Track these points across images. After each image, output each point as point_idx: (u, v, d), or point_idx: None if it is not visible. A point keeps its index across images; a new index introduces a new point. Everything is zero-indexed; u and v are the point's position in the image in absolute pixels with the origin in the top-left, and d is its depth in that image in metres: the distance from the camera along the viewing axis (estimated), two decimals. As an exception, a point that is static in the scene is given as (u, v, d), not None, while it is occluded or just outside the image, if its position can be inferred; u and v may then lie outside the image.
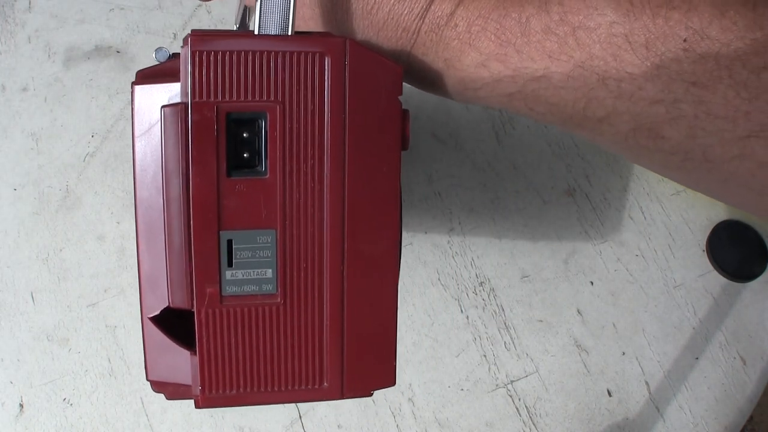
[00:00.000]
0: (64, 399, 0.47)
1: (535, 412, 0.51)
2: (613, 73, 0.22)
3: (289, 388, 0.24)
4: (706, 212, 0.58)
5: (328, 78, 0.22)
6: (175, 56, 0.23)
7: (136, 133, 0.22)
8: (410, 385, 0.50)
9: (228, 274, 0.23)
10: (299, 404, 0.48)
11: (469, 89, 0.25)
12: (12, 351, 0.47)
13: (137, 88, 0.22)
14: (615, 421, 0.51)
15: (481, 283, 0.53)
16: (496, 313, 0.53)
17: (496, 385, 0.51)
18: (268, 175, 0.22)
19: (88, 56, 0.55)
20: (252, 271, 0.23)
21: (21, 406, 0.46)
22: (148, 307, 0.23)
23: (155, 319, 0.23)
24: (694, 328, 0.54)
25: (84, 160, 0.53)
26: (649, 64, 0.21)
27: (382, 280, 0.25)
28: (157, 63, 0.23)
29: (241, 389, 0.23)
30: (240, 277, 0.23)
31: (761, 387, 0.54)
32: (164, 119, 0.21)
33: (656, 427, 0.52)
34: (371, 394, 0.25)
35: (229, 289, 0.23)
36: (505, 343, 0.52)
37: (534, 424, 0.50)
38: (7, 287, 0.49)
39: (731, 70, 0.20)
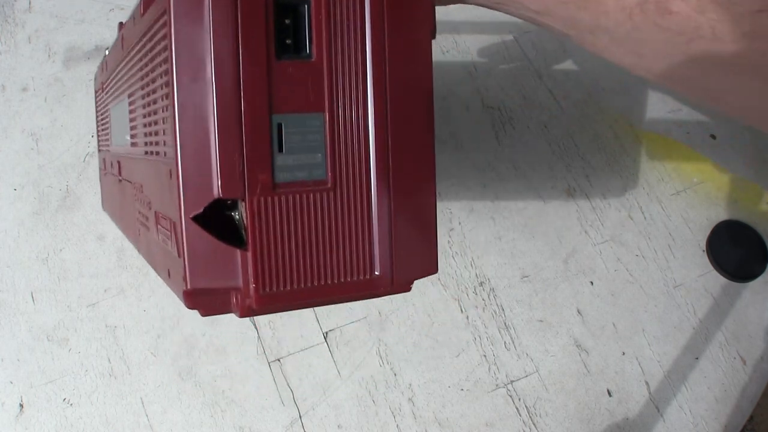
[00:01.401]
0: (64, 399, 0.47)
1: (535, 412, 0.51)
2: None
3: (342, 279, 0.23)
4: (706, 212, 0.58)
5: None
6: None
7: (175, 22, 0.21)
8: (410, 385, 0.50)
9: (279, 159, 0.22)
10: (299, 404, 0.48)
11: None
12: (12, 351, 0.47)
13: None
14: (615, 421, 0.51)
15: (481, 283, 0.53)
16: (496, 313, 0.53)
17: (496, 385, 0.51)
18: (314, 59, 0.22)
19: (88, 56, 0.55)
20: (302, 156, 0.22)
21: (21, 406, 0.46)
22: (189, 206, 0.21)
23: (198, 218, 0.22)
24: (694, 328, 0.54)
25: (84, 160, 0.53)
26: None
27: (422, 164, 0.25)
28: None
29: (295, 284, 0.22)
30: (291, 162, 0.22)
31: (761, 387, 0.54)
32: (213, 1, 0.21)
33: (656, 427, 0.52)
34: (410, 289, 0.25)
35: (281, 176, 0.22)
36: (505, 343, 0.52)
37: (534, 424, 0.50)
38: (7, 287, 0.49)
39: None
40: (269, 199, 0.22)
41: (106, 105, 0.40)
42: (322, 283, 0.23)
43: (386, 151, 0.24)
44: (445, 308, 0.52)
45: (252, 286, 0.22)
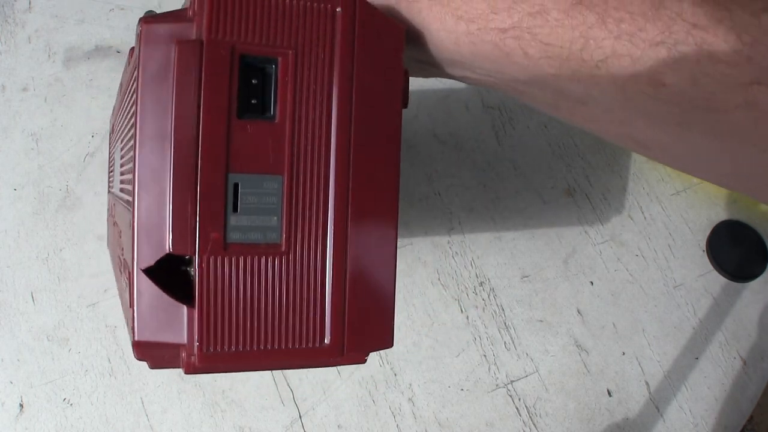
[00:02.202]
0: (64, 399, 0.47)
1: (535, 412, 0.51)
2: (613, 13, 0.21)
3: (290, 346, 0.23)
4: (706, 212, 0.58)
5: (339, 29, 0.23)
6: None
7: (142, 73, 0.21)
8: (410, 385, 0.50)
9: (233, 219, 0.22)
10: (299, 404, 0.48)
11: (462, 20, 0.24)
12: (12, 351, 0.47)
13: (145, 26, 0.21)
14: (615, 421, 0.51)
15: (481, 283, 0.53)
16: (496, 313, 0.53)
17: (496, 385, 0.51)
18: (277, 120, 0.22)
19: (88, 56, 0.55)
20: (257, 218, 0.22)
21: (21, 406, 0.46)
22: (142, 258, 0.21)
23: (149, 271, 0.21)
24: (694, 328, 0.54)
25: (84, 160, 0.53)
26: (649, 4, 0.21)
27: (383, 236, 0.24)
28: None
29: (240, 346, 0.22)
30: (245, 223, 0.22)
31: (761, 387, 0.54)
32: (178, 54, 0.21)
33: (656, 427, 0.52)
34: (365, 360, 0.24)
35: (233, 236, 0.22)
36: (505, 343, 0.52)
37: (534, 424, 0.50)
38: (7, 287, 0.49)
39: (731, 12, 0.19)
40: (219, 258, 0.22)
41: (113, 147, 0.41)
42: (269, 347, 0.22)
43: (345, 220, 0.23)
44: (445, 308, 0.52)
45: (196, 344, 0.21)
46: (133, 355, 0.22)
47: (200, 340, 0.21)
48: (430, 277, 0.53)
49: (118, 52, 0.56)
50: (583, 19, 0.22)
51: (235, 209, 0.22)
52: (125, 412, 0.47)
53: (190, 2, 0.22)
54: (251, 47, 0.22)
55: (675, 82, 0.21)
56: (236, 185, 0.22)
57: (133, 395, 0.47)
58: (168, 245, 0.21)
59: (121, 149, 0.32)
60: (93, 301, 0.49)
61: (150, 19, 0.22)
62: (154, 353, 0.22)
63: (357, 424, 0.48)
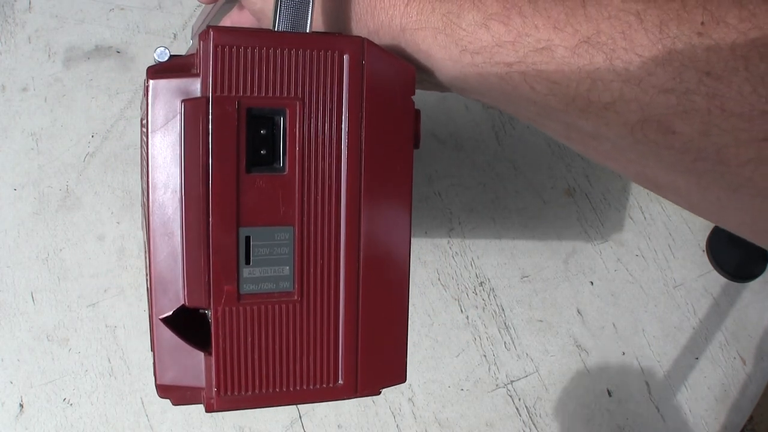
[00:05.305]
0: (64, 399, 0.47)
1: (535, 412, 0.51)
2: (622, 54, 0.20)
3: (304, 387, 0.23)
4: (706, 212, 0.58)
5: (346, 76, 0.23)
6: (175, 57, 0.23)
7: (151, 129, 0.22)
8: (410, 385, 0.50)
9: (246, 271, 0.22)
10: (299, 404, 0.48)
11: (467, 52, 0.24)
12: (12, 351, 0.47)
13: (152, 82, 0.22)
14: (615, 421, 0.51)
15: (481, 283, 0.53)
16: (496, 313, 0.53)
17: (496, 385, 0.51)
18: (286, 172, 0.22)
19: (88, 56, 0.55)
20: (269, 269, 0.23)
21: (21, 406, 0.46)
22: (159, 308, 0.22)
23: (167, 320, 0.22)
24: (694, 328, 0.54)
25: (84, 160, 0.53)
26: (660, 47, 0.20)
27: (395, 277, 0.24)
28: (158, 62, 0.23)
29: (257, 390, 0.23)
30: (257, 275, 0.22)
31: (761, 387, 0.54)
32: (184, 113, 0.21)
33: (656, 427, 0.52)
34: (380, 393, 0.25)
35: (246, 287, 0.22)
36: (505, 343, 0.52)
37: (534, 424, 0.50)
38: (7, 287, 0.49)
39: (748, 62, 0.18)
40: (234, 309, 0.22)
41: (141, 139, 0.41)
42: (283, 389, 0.23)
43: (357, 266, 0.23)
44: (445, 308, 0.52)
45: (214, 389, 0.22)
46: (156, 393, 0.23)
47: (218, 386, 0.22)
48: (430, 277, 0.53)
49: (118, 52, 0.56)
50: (590, 59, 0.21)
51: (247, 262, 0.22)
52: (125, 412, 0.47)
53: (196, 55, 0.22)
54: (258, 100, 0.22)
55: (685, 131, 0.20)
56: (248, 238, 0.22)
57: (133, 395, 0.47)
58: (183, 298, 0.22)
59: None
60: (93, 301, 0.49)
61: (157, 71, 0.22)
62: (175, 394, 0.23)
63: (357, 424, 0.48)
